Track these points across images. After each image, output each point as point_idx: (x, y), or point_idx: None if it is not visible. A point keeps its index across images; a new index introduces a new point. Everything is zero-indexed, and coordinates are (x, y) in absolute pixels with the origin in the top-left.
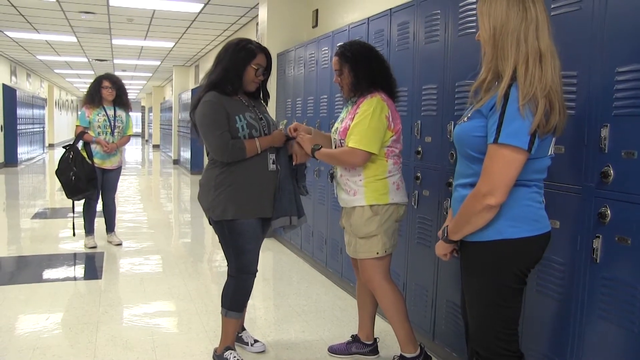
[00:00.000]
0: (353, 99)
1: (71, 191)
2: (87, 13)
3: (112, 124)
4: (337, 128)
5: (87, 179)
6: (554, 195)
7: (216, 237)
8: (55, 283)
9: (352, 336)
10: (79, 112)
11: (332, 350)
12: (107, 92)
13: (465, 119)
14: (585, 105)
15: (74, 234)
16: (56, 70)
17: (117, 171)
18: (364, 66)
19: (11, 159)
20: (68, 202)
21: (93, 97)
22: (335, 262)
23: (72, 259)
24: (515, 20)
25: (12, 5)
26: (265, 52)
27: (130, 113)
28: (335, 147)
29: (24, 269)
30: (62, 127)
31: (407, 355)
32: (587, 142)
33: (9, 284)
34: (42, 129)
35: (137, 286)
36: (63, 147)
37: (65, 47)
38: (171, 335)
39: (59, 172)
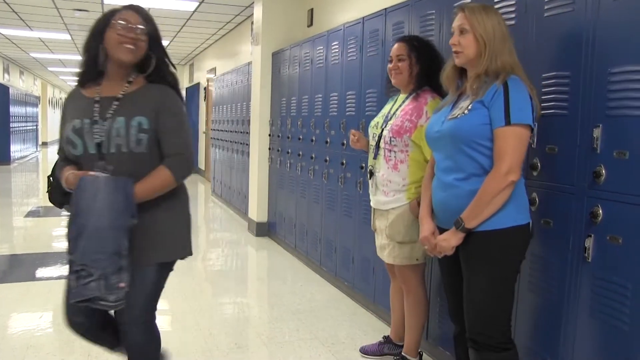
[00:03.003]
0: (405, 93)
1: (58, 200)
2: (80, 10)
3: None
4: (379, 123)
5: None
6: (547, 194)
7: (211, 235)
8: (49, 281)
9: (384, 337)
10: None
11: (364, 350)
12: None
13: (466, 111)
14: (577, 106)
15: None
16: (49, 68)
17: None
18: (429, 59)
19: (4, 157)
20: None
21: None
22: (330, 261)
23: (66, 257)
24: (505, 33)
25: (5, 2)
26: (133, 8)
27: None
28: (379, 143)
29: (17, 268)
30: (56, 125)
31: (409, 357)
32: (579, 142)
33: (2, 283)
34: (35, 127)
35: None
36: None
37: (58, 44)
38: (165, 334)
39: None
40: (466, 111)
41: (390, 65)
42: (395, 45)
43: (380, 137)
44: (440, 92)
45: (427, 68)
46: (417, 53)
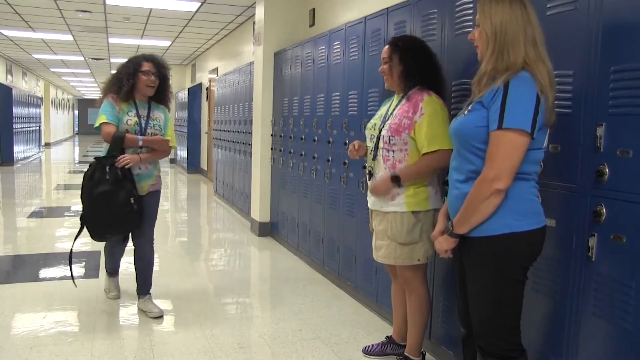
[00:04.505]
0: (400, 94)
1: (105, 229)
2: (83, 12)
3: (144, 129)
4: (376, 124)
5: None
6: (550, 194)
7: (213, 236)
8: (52, 282)
9: (387, 337)
10: (103, 103)
11: (367, 351)
12: (147, 81)
13: (466, 112)
14: (580, 104)
15: (74, 282)
16: (52, 69)
17: (154, 195)
18: (414, 57)
19: (7, 158)
20: (65, 201)
21: (122, 85)
22: (332, 261)
23: (69, 257)
24: (519, 21)
25: (8, 4)
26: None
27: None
28: (378, 144)
29: (21, 268)
30: (58, 126)
31: (412, 357)
32: (582, 141)
33: (6, 283)
34: (38, 127)
35: (133, 285)
36: (95, 157)
37: (61, 45)
38: (168, 334)
39: (91, 198)
40: (466, 112)
41: (380, 68)
42: (384, 48)
43: (378, 138)
44: (437, 90)
45: (412, 67)
46: (400, 53)
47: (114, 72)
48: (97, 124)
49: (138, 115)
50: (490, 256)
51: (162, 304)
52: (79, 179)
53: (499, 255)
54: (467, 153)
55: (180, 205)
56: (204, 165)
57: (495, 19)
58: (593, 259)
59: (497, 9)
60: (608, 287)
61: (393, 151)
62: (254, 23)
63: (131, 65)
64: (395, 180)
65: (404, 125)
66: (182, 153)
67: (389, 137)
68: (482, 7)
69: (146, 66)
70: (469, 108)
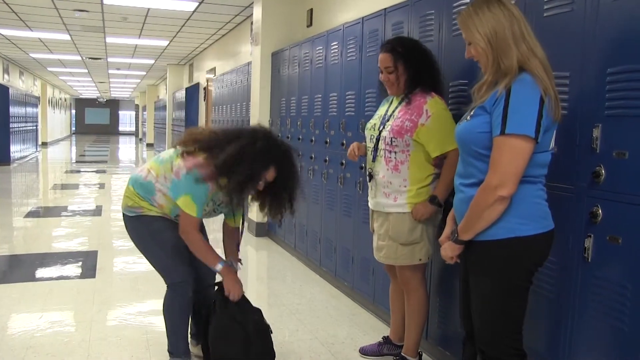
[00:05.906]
0: (401, 95)
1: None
2: (81, 11)
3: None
4: (376, 125)
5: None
6: (547, 194)
7: (210, 236)
8: (49, 282)
9: (384, 337)
10: (201, 185)
11: (363, 351)
12: (256, 188)
13: (469, 117)
14: (577, 106)
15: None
16: (49, 68)
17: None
18: (418, 62)
19: (4, 158)
20: (62, 200)
21: (235, 179)
22: (329, 261)
23: (66, 257)
24: (504, 21)
25: (5, 3)
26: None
27: (125, 112)
28: (378, 144)
29: (17, 268)
30: (55, 126)
31: (409, 358)
32: (579, 142)
33: (2, 283)
34: (35, 127)
35: (130, 285)
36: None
37: (58, 45)
38: (164, 334)
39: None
40: (468, 117)
41: (381, 76)
42: (380, 56)
43: (378, 139)
44: (436, 90)
45: (416, 71)
46: (403, 60)
47: (239, 146)
48: (182, 205)
49: (214, 202)
50: (494, 260)
51: (159, 303)
52: (75, 179)
53: (502, 259)
54: (470, 158)
55: None
56: None
57: (484, 29)
58: (589, 260)
59: (480, 19)
60: (604, 288)
61: (395, 152)
62: (252, 23)
63: (261, 164)
64: (434, 200)
65: (406, 128)
66: None
67: (391, 138)
68: (465, 23)
69: (271, 175)
70: (472, 113)
